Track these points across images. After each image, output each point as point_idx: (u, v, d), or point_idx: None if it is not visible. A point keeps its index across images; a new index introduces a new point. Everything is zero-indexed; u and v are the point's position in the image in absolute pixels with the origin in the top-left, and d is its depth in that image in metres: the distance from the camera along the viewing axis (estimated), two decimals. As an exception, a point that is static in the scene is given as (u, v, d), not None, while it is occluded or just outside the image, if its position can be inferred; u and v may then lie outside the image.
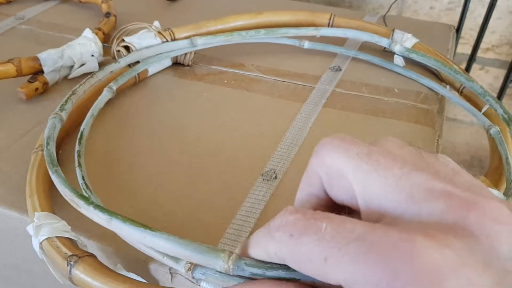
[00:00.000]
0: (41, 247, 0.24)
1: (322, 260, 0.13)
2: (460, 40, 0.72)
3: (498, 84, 0.74)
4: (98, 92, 0.37)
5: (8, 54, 0.41)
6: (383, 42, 0.43)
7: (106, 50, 0.46)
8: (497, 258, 0.12)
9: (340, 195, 0.16)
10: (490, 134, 0.34)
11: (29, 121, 0.37)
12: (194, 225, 0.28)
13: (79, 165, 0.28)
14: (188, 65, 0.46)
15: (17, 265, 0.32)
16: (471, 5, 0.69)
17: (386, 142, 0.16)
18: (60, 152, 0.33)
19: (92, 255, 0.23)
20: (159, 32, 0.44)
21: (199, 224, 0.28)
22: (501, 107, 0.35)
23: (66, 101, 0.33)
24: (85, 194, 0.26)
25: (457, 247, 0.12)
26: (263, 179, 0.31)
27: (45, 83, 0.41)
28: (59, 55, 0.42)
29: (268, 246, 0.15)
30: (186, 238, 0.27)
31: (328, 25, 0.47)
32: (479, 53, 0.73)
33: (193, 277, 0.20)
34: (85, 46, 0.43)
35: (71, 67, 0.43)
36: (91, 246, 0.26)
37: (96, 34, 0.46)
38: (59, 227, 0.24)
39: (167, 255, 0.21)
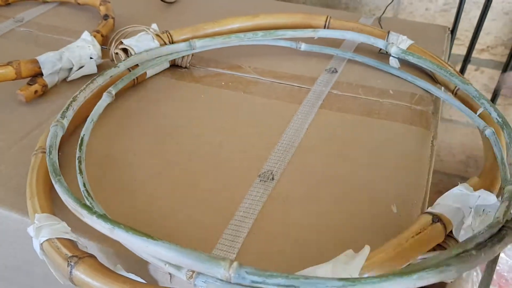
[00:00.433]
0: (41, 248, 0.24)
1: None
2: (456, 41, 0.73)
3: (493, 84, 0.75)
4: (95, 93, 0.38)
5: (7, 56, 0.41)
6: (380, 43, 0.44)
7: (105, 52, 0.46)
8: None
9: None
10: (485, 135, 0.35)
11: (29, 124, 0.38)
12: (192, 226, 0.28)
13: (80, 172, 0.29)
14: (185, 67, 0.46)
15: (18, 266, 0.33)
16: (466, 6, 0.70)
17: None
18: (60, 153, 0.33)
19: (92, 256, 0.23)
20: (157, 35, 0.44)
21: (197, 225, 0.28)
22: (495, 110, 0.35)
23: (67, 108, 0.34)
24: (86, 201, 0.27)
25: None
26: (260, 180, 0.32)
27: (44, 86, 0.41)
28: (58, 57, 0.42)
29: None
30: (185, 238, 0.28)
31: (324, 27, 0.47)
32: (474, 54, 0.73)
33: (194, 285, 0.20)
34: (83, 49, 0.44)
35: (70, 69, 0.43)
36: (91, 247, 0.27)
37: (95, 36, 0.46)
38: (59, 228, 0.25)
39: (169, 263, 0.21)
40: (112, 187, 0.31)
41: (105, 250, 0.26)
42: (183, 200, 0.30)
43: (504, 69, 0.72)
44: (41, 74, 0.41)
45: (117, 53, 0.43)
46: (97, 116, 0.35)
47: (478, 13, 0.69)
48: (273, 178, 0.32)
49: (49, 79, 0.42)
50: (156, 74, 0.45)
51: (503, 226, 0.22)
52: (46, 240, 0.24)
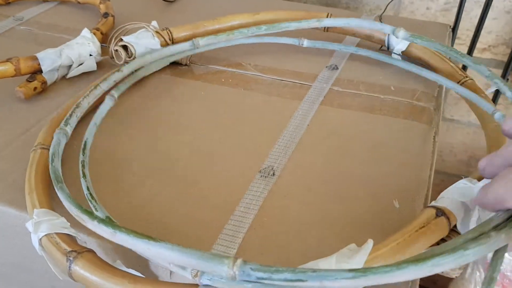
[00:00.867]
0: (40, 244, 0.24)
1: None
2: (457, 41, 0.73)
3: (494, 83, 0.75)
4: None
5: (7, 54, 0.41)
6: (387, 29, 0.42)
7: (104, 49, 0.46)
8: None
9: None
10: (495, 119, 0.33)
11: (28, 120, 0.37)
12: (193, 221, 0.28)
13: (84, 175, 0.28)
14: (186, 65, 0.46)
15: (17, 263, 0.32)
16: (467, 5, 0.69)
17: None
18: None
19: (91, 251, 0.23)
20: (157, 32, 0.44)
21: (198, 220, 0.28)
22: (509, 89, 0.34)
23: (70, 115, 0.33)
24: (90, 204, 0.26)
25: None
26: (261, 176, 0.31)
27: (44, 82, 0.41)
28: (57, 54, 0.42)
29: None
30: (186, 234, 0.27)
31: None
32: (476, 53, 0.73)
33: (200, 283, 0.20)
34: (83, 46, 0.44)
35: (69, 66, 0.43)
36: (90, 243, 0.26)
37: (94, 34, 0.46)
38: (58, 223, 0.24)
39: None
40: (112, 184, 0.31)
41: (104, 246, 0.26)
42: (183, 196, 0.30)
43: (506, 68, 0.72)
44: (41, 71, 0.41)
45: (116, 50, 0.43)
46: (100, 120, 0.35)
47: (479, 12, 0.69)
48: (274, 174, 0.32)
49: (48, 76, 0.41)
50: (156, 72, 0.45)
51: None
52: (45, 235, 0.24)
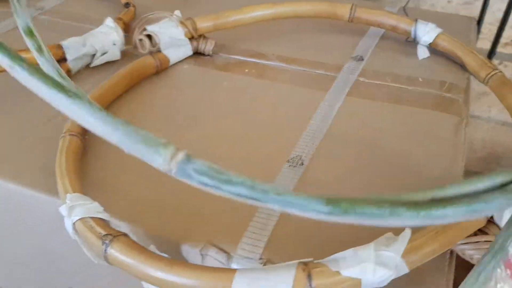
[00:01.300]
0: (74, 228, 0.24)
1: None
2: (479, 35, 0.72)
3: (515, 79, 0.73)
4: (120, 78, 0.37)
5: (31, 42, 0.41)
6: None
7: (127, 39, 0.46)
8: None
9: None
10: None
11: (52, 109, 0.37)
12: (222, 211, 0.28)
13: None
14: (208, 55, 0.46)
15: (40, 252, 0.32)
16: (490, -1, 0.68)
17: None
18: (87, 137, 0.33)
19: (126, 235, 0.23)
20: (180, 22, 0.44)
21: (226, 210, 0.28)
22: None
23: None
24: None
25: None
26: (289, 165, 0.31)
27: (68, 71, 0.41)
28: (82, 43, 0.42)
29: None
30: (215, 223, 0.27)
31: (350, 15, 0.46)
32: (498, 48, 0.72)
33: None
34: (107, 35, 0.43)
35: (93, 56, 0.43)
36: (123, 228, 0.26)
37: (117, 23, 0.46)
38: (92, 207, 0.24)
39: None
40: (138, 173, 0.31)
41: (136, 231, 0.26)
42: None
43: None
44: (65, 60, 0.41)
45: (141, 40, 0.42)
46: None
47: (501, 6, 0.67)
48: (302, 164, 0.31)
49: (73, 65, 0.41)
50: (179, 62, 0.45)
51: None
52: (79, 219, 0.24)
